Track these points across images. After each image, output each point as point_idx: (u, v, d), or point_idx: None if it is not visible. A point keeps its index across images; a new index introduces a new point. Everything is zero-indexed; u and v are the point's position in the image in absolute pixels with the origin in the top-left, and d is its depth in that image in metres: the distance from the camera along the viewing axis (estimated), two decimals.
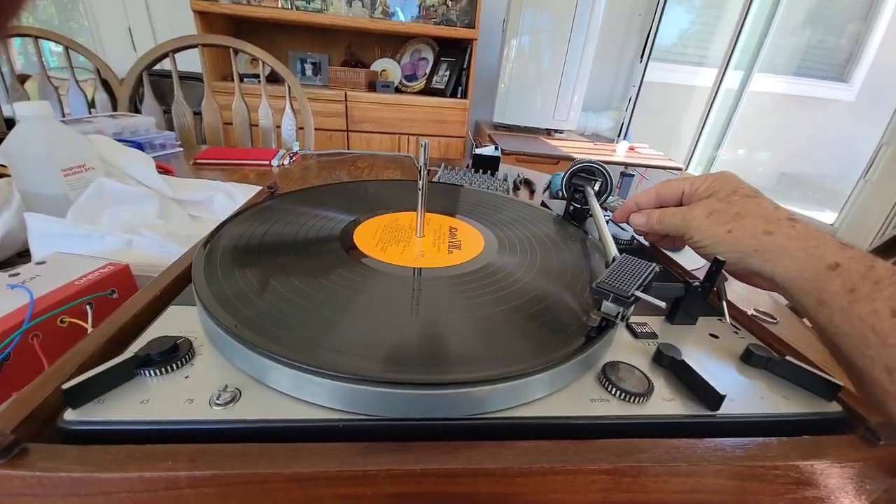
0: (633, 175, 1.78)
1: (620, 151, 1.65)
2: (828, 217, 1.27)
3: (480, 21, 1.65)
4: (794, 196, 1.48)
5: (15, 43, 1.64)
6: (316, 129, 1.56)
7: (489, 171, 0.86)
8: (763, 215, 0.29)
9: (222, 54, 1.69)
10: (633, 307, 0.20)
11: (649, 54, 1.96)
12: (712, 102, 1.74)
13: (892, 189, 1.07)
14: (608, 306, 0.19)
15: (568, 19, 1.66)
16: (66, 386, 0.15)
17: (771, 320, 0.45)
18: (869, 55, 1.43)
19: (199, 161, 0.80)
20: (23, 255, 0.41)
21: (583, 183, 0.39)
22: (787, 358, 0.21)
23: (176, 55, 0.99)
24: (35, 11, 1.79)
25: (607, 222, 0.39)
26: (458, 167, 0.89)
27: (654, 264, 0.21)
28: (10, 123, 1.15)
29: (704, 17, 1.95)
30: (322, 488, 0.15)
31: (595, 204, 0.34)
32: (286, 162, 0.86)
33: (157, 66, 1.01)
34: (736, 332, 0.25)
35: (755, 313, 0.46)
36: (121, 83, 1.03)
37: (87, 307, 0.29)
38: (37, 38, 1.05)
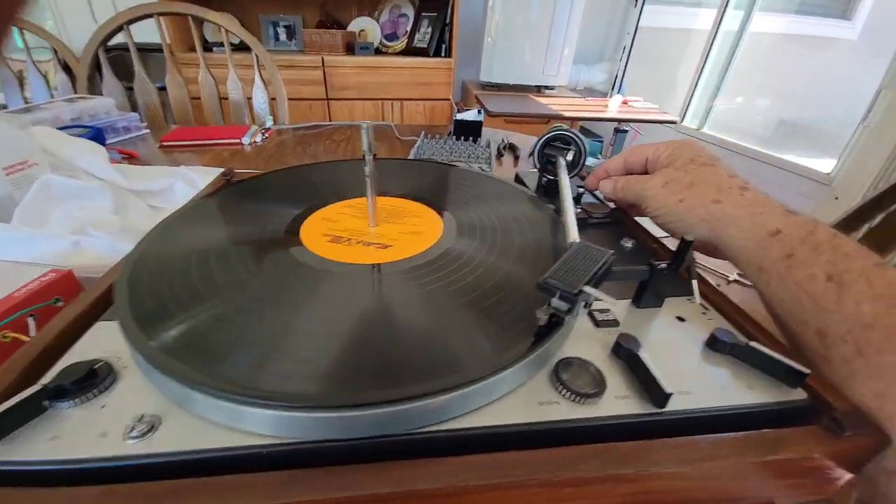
0: (627, 131, 1.72)
1: (613, 107, 1.58)
2: (826, 165, 1.23)
3: None
4: (791, 144, 1.43)
5: None
6: (294, 98, 1.49)
7: (471, 138, 0.82)
8: (716, 184, 0.28)
9: (186, 22, 1.58)
10: (586, 301, 0.19)
11: None
12: (710, 46, 1.64)
13: (892, 135, 1.03)
14: (557, 302, 0.18)
15: None
16: None
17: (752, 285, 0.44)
18: None
19: (165, 143, 0.76)
20: None
21: (555, 153, 0.37)
22: (751, 344, 0.20)
23: (133, 27, 0.93)
24: None
25: (580, 194, 0.37)
26: (439, 135, 0.85)
27: (611, 252, 0.20)
28: None
29: None
30: None
31: (564, 177, 0.32)
32: (258, 139, 0.82)
33: (119, 40, 0.94)
34: (705, 314, 0.24)
35: (737, 277, 0.45)
36: (79, 62, 0.96)
37: (30, 319, 0.28)
38: None
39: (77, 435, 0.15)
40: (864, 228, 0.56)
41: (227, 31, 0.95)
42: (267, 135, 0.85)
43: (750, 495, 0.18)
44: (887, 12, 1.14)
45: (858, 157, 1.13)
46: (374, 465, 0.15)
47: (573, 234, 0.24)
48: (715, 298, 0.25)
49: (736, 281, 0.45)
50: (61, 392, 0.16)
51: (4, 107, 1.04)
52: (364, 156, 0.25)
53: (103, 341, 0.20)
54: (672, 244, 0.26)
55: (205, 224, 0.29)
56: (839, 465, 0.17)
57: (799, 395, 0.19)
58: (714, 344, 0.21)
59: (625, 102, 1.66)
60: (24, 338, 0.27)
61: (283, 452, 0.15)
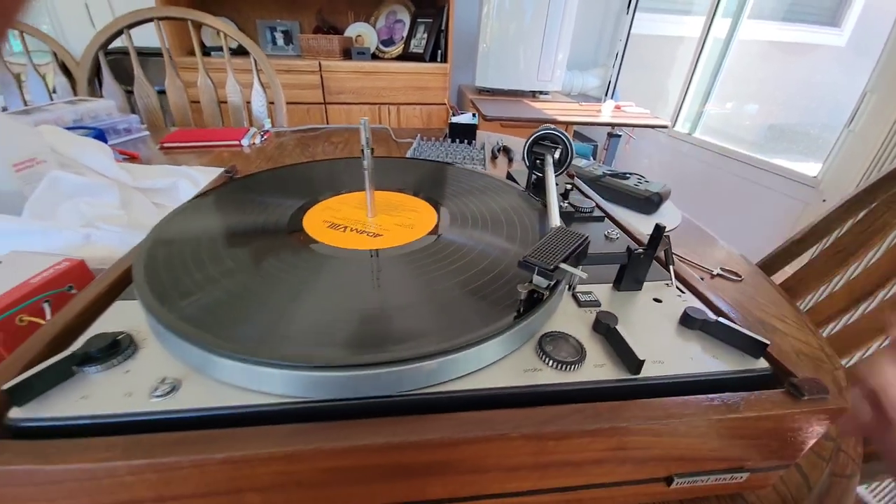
0: (620, 135, 1.75)
1: (606, 112, 1.62)
2: (813, 168, 1.26)
3: None
4: (779, 148, 1.47)
5: None
6: (291, 102, 1.51)
7: (467, 140, 0.84)
8: None
9: (183, 29, 1.60)
10: (566, 279, 0.21)
11: (636, 4, 1.88)
12: (700, 53, 1.68)
13: (875, 139, 1.06)
14: (538, 279, 0.20)
15: None
16: (6, 386, 0.16)
17: (735, 278, 0.47)
18: None
19: (166, 145, 0.77)
20: None
21: (543, 151, 0.39)
22: (719, 319, 0.22)
23: (133, 31, 0.94)
24: None
25: (568, 190, 0.39)
26: (435, 138, 0.87)
27: (586, 236, 0.22)
28: None
29: None
30: (258, 468, 0.16)
31: (550, 172, 0.34)
32: (257, 141, 0.84)
33: (118, 44, 0.96)
34: (680, 296, 0.26)
35: (720, 272, 0.47)
36: (79, 65, 0.98)
37: (45, 304, 0.29)
38: None
39: (105, 395, 0.17)
40: (849, 223, 0.58)
41: (225, 35, 0.97)
42: (266, 137, 0.87)
43: (718, 455, 0.20)
44: (875, 19, 1.17)
45: (844, 161, 1.16)
46: (374, 420, 0.17)
47: (555, 220, 0.26)
48: (691, 283, 0.27)
49: (720, 275, 0.47)
50: (88, 359, 0.18)
51: (4, 108, 1.05)
52: (363, 150, 0.27)
53: (122, 318, 0.21)
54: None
55: (214, 212, 0.30)
56: (800, 427, 0.19)
57: (762, 364, 0.21)
58: (686, 321, 0.23)
59: (618, 107, 1.69)
60: (40, 321, 0.28)
61: (292, 410, 0.17)
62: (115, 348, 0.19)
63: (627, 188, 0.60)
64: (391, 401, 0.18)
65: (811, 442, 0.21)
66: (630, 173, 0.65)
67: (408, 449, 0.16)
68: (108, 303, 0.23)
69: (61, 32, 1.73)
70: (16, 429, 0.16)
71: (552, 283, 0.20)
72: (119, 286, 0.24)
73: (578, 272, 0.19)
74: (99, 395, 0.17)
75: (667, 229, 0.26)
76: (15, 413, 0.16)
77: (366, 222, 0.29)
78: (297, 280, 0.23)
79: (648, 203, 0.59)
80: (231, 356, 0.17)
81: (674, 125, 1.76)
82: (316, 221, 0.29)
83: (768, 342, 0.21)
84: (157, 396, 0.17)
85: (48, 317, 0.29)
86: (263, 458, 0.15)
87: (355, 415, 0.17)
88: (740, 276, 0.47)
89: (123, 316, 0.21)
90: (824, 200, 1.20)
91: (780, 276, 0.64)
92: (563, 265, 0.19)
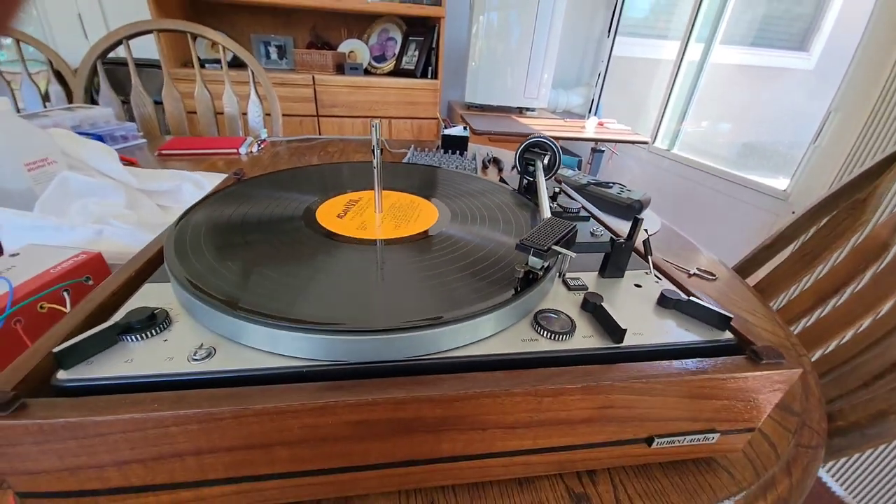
0: (604, 151, 1.82)
1: (590, 128, 1.69)
2: (781, 183, 1.34)
3: None
4: (751, 164, 1.55)
5: None
6: (285, 115, 1.53)
7: (458, 151, 0.88)
8: None
9: (181, 39, 1.62)
10: (558, 261, 0.24)
11: (616, 29, 1.98)
12: (676, 75, 1.78)
13: (839, 154, 1.14)
14: (533, 260, 0.23)
15: None
16: (56, 349, 0.18)
17: (710, 277, 0.50)
18: (828, 23, 1.48)
19: (163, 152, 0.79)
20: None
21: (534, 157, 0.42)
22: (691, 298, 0.25)
23: (131, 42, 0.96)
24: None
25: (556, 193, 0.43)
26: (428, 148, 0.90)
27: (574, 224, 0.24)
28: None
29: None
30: (290, 420, 0.18)
31: (540, 174, 0.37)
32: (254, 149, 0.86)
33: (113, 54, 0.98)
34: (658, 282, 0.29)
35: (696, 271, 0.51)
36: (74, 74, 0.99)
37: (65, 293, 0.30)
38: None
39: (147, 359, 0.19)
40: (814, 229, 0.63)
41: (223, 47, 1.00)
42: (263, 146, 0.89)
43: (691, 416, 0.23)
44: (841, 44, 1.26)
45: (811, 175, 1.24)
46: (395, 379, 0.19)
47: (546, 214, 0.29)
48: (667, 273, 0.31)
49: (696, 274, 0.51)
50: (129, 329, 0.20)
51: (19, 110, 1.05)
52: (373, 150, 0.29)
53: (153, 297, 0.23)
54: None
55: (235, 203, 0.32)
56: (760, 388, 0.22)
57: (727, 336, 0.24)
58: (663, 301, 0.26)
59: (601, 124, 1.76)
60: (61, 308, 0.30)
61: (318, 372, 0.19)
62: (153, 320, 0.20)
63: (610, 196, 0.64)
64: (406, 364, 0.20)
65: (772, 403, 0.24)
66: (613, 182, 0.69)
67: (423, 403, 0.18)
68: (138, 285, 0.24)
69: (52, 41, 1.73)
70: (62, 389, 0.18)
71: (545, 263, 0.23)
72: (147, 270, 0.26)
73: (569, 252, 0.22)
74: (141, 359, 0.19)
75: (647, 234, 0.29)
76: (62, 375, 0.18)
77: (374, 216, 0.32)
78: (313, 261, 0.25)
79: (630, 210, 0.63)
80: (263, 323, 0.19)
81: (654, 141, 1.84)
82: (328, 214, 0.31)
83: (732, 315, 0.24)
84: (196, 359, 0.19)
85: (68, 305, 0.30)
86: (296, 409, 0.17)
87: (374, 377, 0.19)
88: (714, 276, 0.50)
89: (154, 296, 0.23)
90: (793, 212, 1.26)
91: (753, 280, 0.68)
92: (555, 247, 0.22)
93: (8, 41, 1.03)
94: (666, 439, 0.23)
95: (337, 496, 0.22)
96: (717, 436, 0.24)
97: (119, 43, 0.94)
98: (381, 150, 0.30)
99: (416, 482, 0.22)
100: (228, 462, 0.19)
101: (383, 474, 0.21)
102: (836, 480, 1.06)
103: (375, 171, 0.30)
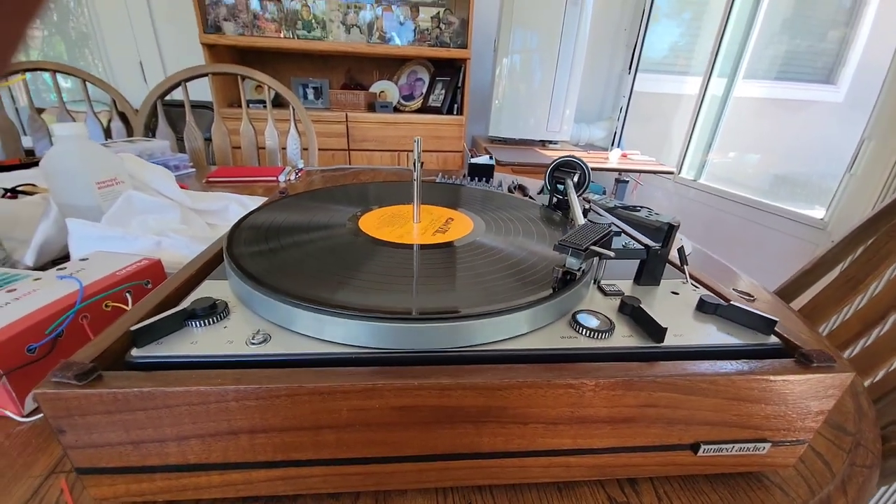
0: (628, 181, 1.82)
1: (613, 159, 1.70)
2: (818, 212, 1.30)
3: (472, 42, 1.73)
4: (783, 194, 1.52)
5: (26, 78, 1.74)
6: (319, 149, 1.62)
7: (484, 179, 0.90)
8: None
9: (228, 83, 1.78)
10: (593, 267, 0.24)
11: (637, 66, 2.04)
12: (699, 109, 1.80)
13: (876, 181, 1.11)
14: (570, 261, 0.23)
15: (556, 37, 1.75)
16: (134, 328, 0.19)
17: (749, 297, 0.49)
18: (855, 57, 1.49)
19: (211, 179, 0.85)
20: (57, 262, 0.45)
21: (563, 176, 0.43)
22: (732, 302, 0.25)
23: (187, 84, 1.06)
24: (44, 47, 1.88)
25: (586, 210, 0.43)
26: (455, 176, 0.93)
27: (610, 226, 0.25)
28: (29, 153, 1.22)
29: (692, 28, 2.03)
30: (339, 401, 0.19)
31: (572, 192, 0.39)
32: (292, 177, 0.91)
33: (167, 98, 1.08)
34: (695, 290, 0.29)
35: (735, 291, 0.50)
36: (136, 113, 1.10)
37: (127, 294, 0.33)
38: (55, 72, 1.13)
39: (210, 342, 0.20)
40: (854, 255, 0.61)
41: (269, 88, 1.09)
42: (299, 174, 0.94)
43: (740, 422, 0.22)
44: (869, 77, 1.26)
45: (848, 203, 1.20)
46: (439, 367, 0.20)
47: (581, 220, 0.30)
48: (704, 282, 0.30)
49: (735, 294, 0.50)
50: (193, 315, 0.21)
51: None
52: (414, 163, 0.32)
53: (213, 292, 0.25)
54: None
55: (284, 212, 0.35)
56: (811, 394, 0.21)
57: (773, 340, 0.23)
58: (702, 306, 0.26)
59: (624, 155, 1.78)
60: (124, 307, 0.32)
61: (368, 358, 0.20)
62: (214, 308, 0.22)
63: (639, 219, 0.64)
64: (449, 355, 0.21)
65: (823, 412, 0.23)
66: (641, 206, 0.69)
67: (467, 390, 0.19)
68: (199, 282, 0.26)
69: (115, 85, 1.93)
70: (135, 365, 0.20)
71: (583, 264, 0.23)
72: (206, 270, 0.28)
73: (607, 252, 0.23)
74: (205, 341, 0.20)
75: (682, 242, 0.30)
76: (135, 352, 0.20)
77: (413, 225, 0.33)
78: (359, 261, 0.27)
79: (659, 233, 0.62)
80: (316, 310, 0.20)
81: (679, 172, 1.84)
82: (370, 222, 0.33)
83: (777, 319, 0.23)
84: (254, 343, 0.20)
85: (130, 305, 0.32)
86: (346, 390, 0.18)
87: (419, 365, 0.20)
88: (754, 297, 0.49)
89: (213, 291, 0.25)
90: (833, 241, 1.22)
91: (795, 306, 0.65)
92: (593, 247, 0.23)
93: (67, 84, 1.15)
94: (713, 446, 0.22)
95: (376, 489, 0.22)
96: (767, 446, 0.23)
97: (177, 85, 1.04)
98: (422, 164, 0.32)
99: (455, 479, 0.22)
100: (278, 443, 0.19)
101: (423, 468, 0.21)
102: None
103: (415, 182, 0.32)
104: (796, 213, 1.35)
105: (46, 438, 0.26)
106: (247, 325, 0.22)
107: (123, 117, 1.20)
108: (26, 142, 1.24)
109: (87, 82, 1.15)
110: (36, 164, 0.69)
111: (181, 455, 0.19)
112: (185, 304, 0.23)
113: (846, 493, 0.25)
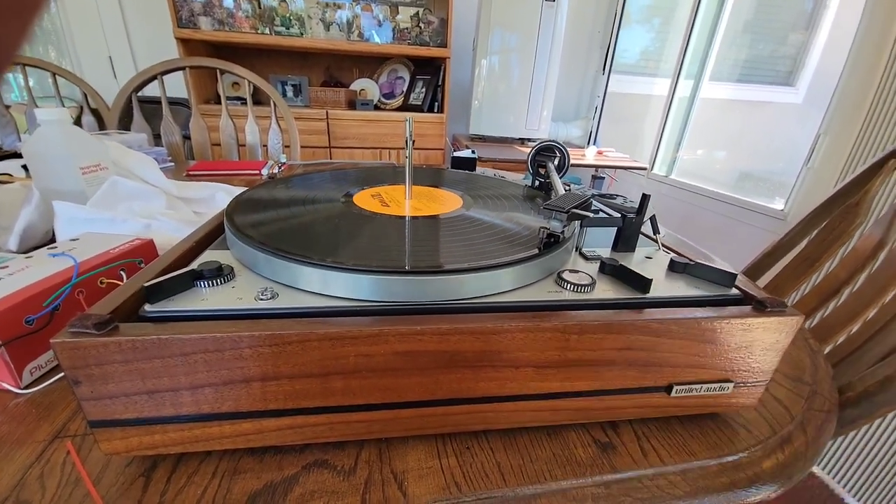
0: (604, 177, 1.89)
1: (589, 156, 1.76)
2: (778, 204, 1.38)
3: (452, 41, 1.76)
4: (747, 187, 1.61)
5: None
6: (300, 146, 1.61)
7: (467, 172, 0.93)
8: None
9: (204, 79, 1.74)
10: (574, 235, 0.26)
11: (610, 68, 2.11)
12: (669, 109, 1.88)
13: (831, 173, 1.19)
14: (554, 224, 0.25)
15: (533, 38, 1.79)
16: (146, 283, 0.20)
17: None
18: (813, 61, 1.58)
19: (191, 172, 0.84)
20: (40, 248, 0.44)
21: (544, 159, 0.46)
22: (698, 261, 0.28)
23: (163, 79, 1.04)
24: None
25: (567, 190, 0.46)
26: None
27: (590, 195, 0.27)
28: None
29: (662, 33, 2.12)
30: (348, 346, 0.20)
31: (553, 171, 0.41)
32: (276, 170, 0.91)
33: (141, 93, 1.06)
34: (667, 254, 0.32)
35: None
36: (108, 109, 1.07)
37: (121, 272, 0.33)
38: (24, 65, 1.09)
39: (220, 299, 0.21)
40: (806, 240, 0.66)
41: (249, 82, 1.08)
42: (282, 168, 0.94)
43: (707, 363, 0.25)
44: (826, 79, 1.35)
45: (806, 194, 1.28)
46: (439, 315, 0.21)
47: (562, 191, 0.32)
48: (675, 249, 0.33)
49: None
50: (201, 276, 0.22)
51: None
52: (406, 142, 0.33)
53: (215, 259, 0.26)
54: None
55: (281, 188, 0.36)
56: (767, 335, 0.24)
57: (734, 292, 0.26)
58: (673, 266, 0.28)
59: (600, 152, 1.84)
60: (119, 283, 0.32)
61: (371, 310, 0.22)
62: (221, 271, 0.23)
63: (615, 205, 0.68)
64: (445, 306, 0.22)
65: (779, 353, 0.25)
66: (616, 195, 0.72)
67: (465, 335, 0.21)
68: (199, 252, 0.27)
69: (82, 76, 1.85)
70: (149, 318, 0.20)
71: (566, 226, 0.25)
72: (205, 242, 0.29)
73: (587, 213, 0.25)
74: (215, 299, 0.21)
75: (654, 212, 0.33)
76: (148, 307, 0.21)
77: (406, 201, 0.35)
78: (358, 228, 0.28)
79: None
80: (322, 265, 0.22)
81: (652, 168, 1.91)
82: (364, 198, 0.34)
83: (736, 273, 0.26)
84: (263, 299, 0.21)
85: (125, 281, 0.33)
86: (354, 335, 0.20)
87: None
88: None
89: (216, 258, 0.26)
90: None
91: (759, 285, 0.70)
92: (574, 210, 0.25)
93: (31, 80, 1.11)
94: (685, 387, 0.25)
95: (380, 436, 0.24)
96: (731, 386, 0.26)
97: (153, 78, 1.02)
98: (414, 142, 0.33)
99: (454, 425, 0.24)
100: (288, 391, 0.21)
101: (424, 413, 0.23)
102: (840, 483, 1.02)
103: (407, 160, 0.34)
104: (759, 206, 1.43)
105: (47, 409, 0.26)
106: (254, 285, 0.23)
107: (95, 113, 1.16)
108: None
109: (56, 76, 1.11)
110: (9, 155, 0.67)
111: (195, 404, 0.20)
112: (192, 267, 0.24)
113: (805, 433, 0.28)
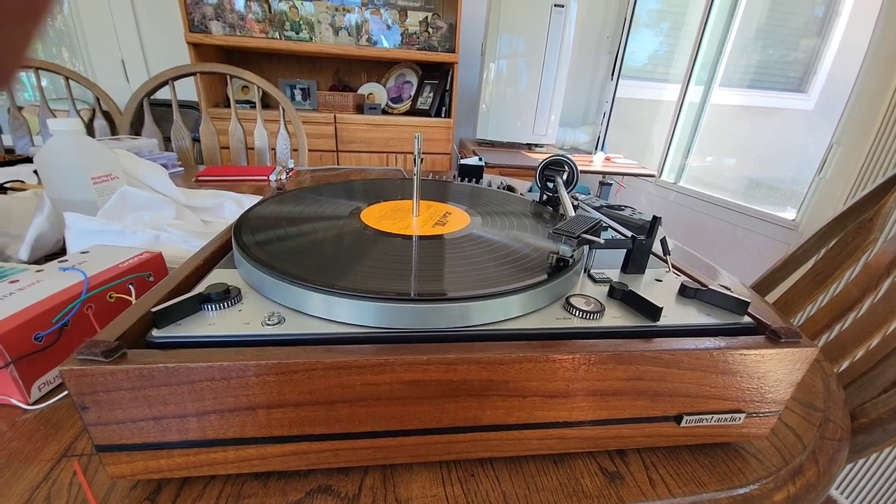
0: (612, 184, 1.87)
1: (597, 162, 1.75)
2: (790, 214, 1.36)
3: (460, 46, 1.76)
4: (758, 196, 1.59)
5: None
6: (307, 149, 1.62)
7: (474, 179, 0.92)
8: None
9: (214, 83, 1.76)
10: (584, 256, 0.26)
11: (619, 73, 2.10)
12: (678, 115, 1.86)
13: (844, 184, 1.17)
14: (564, 249, 0.25)
15: (541, 43, 1.79)
16: (154, 309, 0.20)
17: (728, 291, 0.52)
18: (825, 67, 1.56)
19: (200, 178, 0.84)
20: (50, 258, 0.45)
21: (553, 174, 0.45)
22: (710, 287, 0.27)
23: (173, 83, 1.05)
24: None
25: (575, 206, 0.46)
26: (445, 177, 0.95)
27: (600, 218, 0.27)
28: (9, 152, 1.19)
29: (671, 38, 2.11)
30: (354, 375, 0.20)
31: (562, 187, 0.41)
32: (283, 177, 0.91)
33: (152, 97, 1.07)
34: (677, 277, 0.31)
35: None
36: (120, 113, 1.08)
37: (130, 286, 0.33)
38: (38, 69, 1.11)
39: (227, 324, 0.21)
40: (823, 251, 0.65)
41: (258, 87, 1.09)
42: (290, 174, 0.95)
43: (718, 394, 0.24)
44: (839, 86, 1.33)
45: (818, 205, 1.26)
46: (446, 343, 0.21)
47: (571, 213, 0.32)
48: (685, 271, 0.33)
49: None
50: (208, 299, 0.22)
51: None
52: (415, 159, 0.33)
53: (222, 279, 0.26)
54: None
55: (289, 204, 0.36)
56: (781, 366, 0.23)
57: (746, 320, 0.26)
58: (684, 291, 0.28)
59: (607, 158, 1.83)
60: (128, 298, 0.32)
61: (377, 337, 0.21)
62: (228, 293, 0.23)
63: (623, 217, 0.67)
64: (452, 334, 0.22)
65: (793, 384, 0.25)
66: (625, 206, 0.72)
67: (471, 365, 0.20)
68: (207, 271, 0.27)
69: (95, 82, 1.88)
70: (156, 344, 0.20)
71: (575, 250, 0.25)
72: (213, 260, 0.29)
73: (598, 239, 0.24)
74: (222, 323, 0.21)
75: (665, 235, 0.32)
76: (156, 332, 0.21)
77: (412, 218, 0.35)
78: (365, 249, 0.28)
79: (643, 231, 0.65)
80: (329, 292, 0.22)
81: (660, 175, 1.89)
82: (372, 215, 0.34)
83: (749, 301, 0.26)
84: (270, 324, 0.21)
85: (133, 297, 0.33)
86: (360, 365, 0.20)
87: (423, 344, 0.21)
88: (730, 289, 0.52)
89: (222, 279, 0.26)
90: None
91: (769, 300, 0.69)
92: (584, 234, 0.24)
93: (44, 82, 1.13)
94: (694, 417, 0.24)
95: (385, 462, 0.23)
96: (742, 416, 0.25)
97: (165, 83, 1.03)
98: (422, 160, 0.33)
99: (459, 452, 0.24)
100: (294, 418, 0.21)
101: (429, 441, 0.23)
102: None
103: (415, 177, 0.34)
104: (770, 215, 1.42)
105: (55, 425, 0.26)
106: (260, 309, 0.23)
107: (107, 116, 1.18)
108: (6, 140, 1.21)
109: (69, 80, 1.13)
110: (21, 161, 0.68)
111: (200, 430, 0.20)
112: (200, 288, 0.24)
113: (817, 463, 0.27)
